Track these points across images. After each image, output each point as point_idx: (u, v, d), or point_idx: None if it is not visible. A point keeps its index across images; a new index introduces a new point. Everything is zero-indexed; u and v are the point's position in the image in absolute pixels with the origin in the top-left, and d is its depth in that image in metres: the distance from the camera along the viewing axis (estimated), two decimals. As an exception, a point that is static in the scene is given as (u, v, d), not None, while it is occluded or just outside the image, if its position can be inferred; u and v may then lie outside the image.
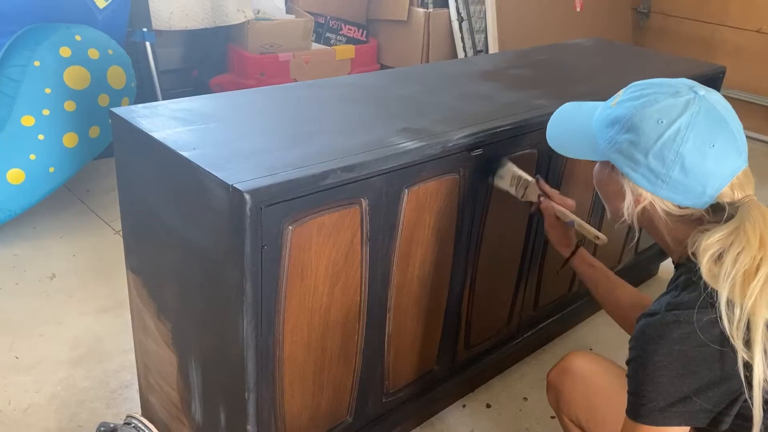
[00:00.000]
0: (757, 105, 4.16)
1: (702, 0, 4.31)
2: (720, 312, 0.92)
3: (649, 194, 1.04)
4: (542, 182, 1.45)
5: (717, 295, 0.93)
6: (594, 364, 1.34)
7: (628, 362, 1.03)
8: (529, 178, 1.46)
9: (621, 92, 1.11)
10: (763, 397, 0.93)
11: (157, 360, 1.50)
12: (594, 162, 1.16)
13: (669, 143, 0.99)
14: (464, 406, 1.83)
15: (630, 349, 1.02)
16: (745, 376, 0.92)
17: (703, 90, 1.03)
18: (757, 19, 4.11)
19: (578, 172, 1.76)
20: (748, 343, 0.92)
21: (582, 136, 1.14)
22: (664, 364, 0.95)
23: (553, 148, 1.23)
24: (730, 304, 0.92)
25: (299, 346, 1.28)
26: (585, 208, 1.89)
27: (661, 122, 1.00)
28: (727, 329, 0.92)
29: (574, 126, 1.19)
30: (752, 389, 0.93)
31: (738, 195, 1.01)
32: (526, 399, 1.87)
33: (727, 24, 4.22)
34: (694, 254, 0.99)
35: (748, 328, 0.92)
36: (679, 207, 1.04)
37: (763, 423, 0.96)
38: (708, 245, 0.97)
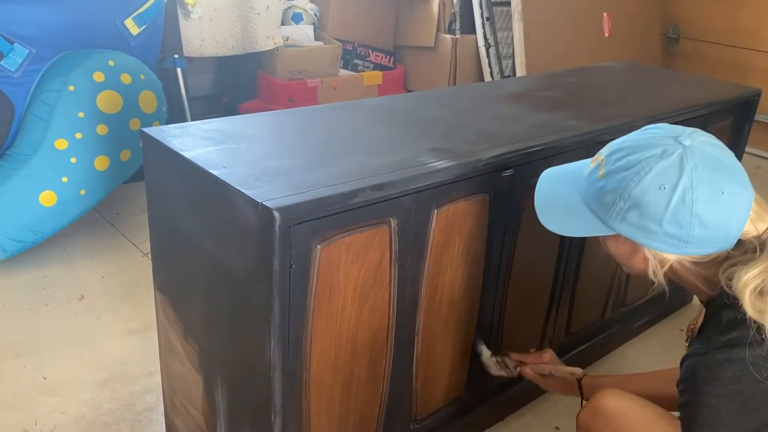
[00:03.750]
0: (792, 130, 4.08)
1: (733, 25, 4.26)
2: None
3: (674, 255, 1.02)
4: (513, 355, 1.58)
5: (766, 330, 0.92)
6: (624, 401, 1.29)
7: (679, 406, 0.99)
8: (504, 357, 1.59)
9: (602, 158, 1.05)
10: None
11: (183, 381, 1.48)
12: None
13: (680, 207, 0.96)
14: (494, 434, 1.78)
15: (680, 392, 0.98)
16: None
17: (688, 138, 0.99)
18: (790, 43, 4.05)
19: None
20: None
21: (579, 214, 1.07)
22: (722, 406, 0.92)
23: (552, 230, 1.12)
24: None
25: (326, 368, 1.26)
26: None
27: (664, 188, 0.96)
28: None
29: (564, 203, 1.11)
30: None
31: (761, 227, 1.00)
32: (557, 428, 1.82)
33: (760, 49, 4.16)
34: (729, 287, 0.96)
35: None
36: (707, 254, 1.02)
37: None
38: (748, 281, 0.94)
